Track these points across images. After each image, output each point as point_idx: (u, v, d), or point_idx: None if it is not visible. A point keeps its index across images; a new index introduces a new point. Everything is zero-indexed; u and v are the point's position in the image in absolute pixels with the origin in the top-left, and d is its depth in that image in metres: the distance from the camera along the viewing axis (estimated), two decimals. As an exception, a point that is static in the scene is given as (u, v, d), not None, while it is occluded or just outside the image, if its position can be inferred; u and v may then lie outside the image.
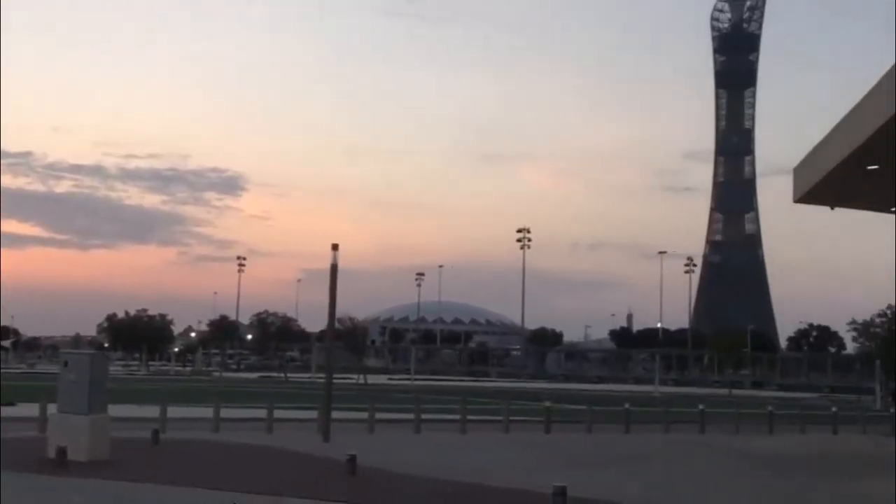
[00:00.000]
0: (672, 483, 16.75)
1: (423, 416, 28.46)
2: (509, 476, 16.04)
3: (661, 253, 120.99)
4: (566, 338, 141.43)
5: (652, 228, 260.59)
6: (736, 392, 71.12)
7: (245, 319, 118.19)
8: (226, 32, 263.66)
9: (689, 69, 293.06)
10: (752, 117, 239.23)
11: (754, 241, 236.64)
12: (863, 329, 60.58)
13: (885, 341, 56.39)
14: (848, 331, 62.30)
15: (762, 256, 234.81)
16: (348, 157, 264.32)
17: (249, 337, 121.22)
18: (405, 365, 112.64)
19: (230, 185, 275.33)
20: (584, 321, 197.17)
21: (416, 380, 73.24)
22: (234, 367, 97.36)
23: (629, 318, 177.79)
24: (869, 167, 19.57)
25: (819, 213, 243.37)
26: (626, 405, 29.59)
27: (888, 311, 58.64)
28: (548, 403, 28.48)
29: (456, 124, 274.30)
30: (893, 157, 18.13)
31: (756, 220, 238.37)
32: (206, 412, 27.04)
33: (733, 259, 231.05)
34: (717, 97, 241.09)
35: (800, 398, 63.66)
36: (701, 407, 30.32)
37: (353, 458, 16.18)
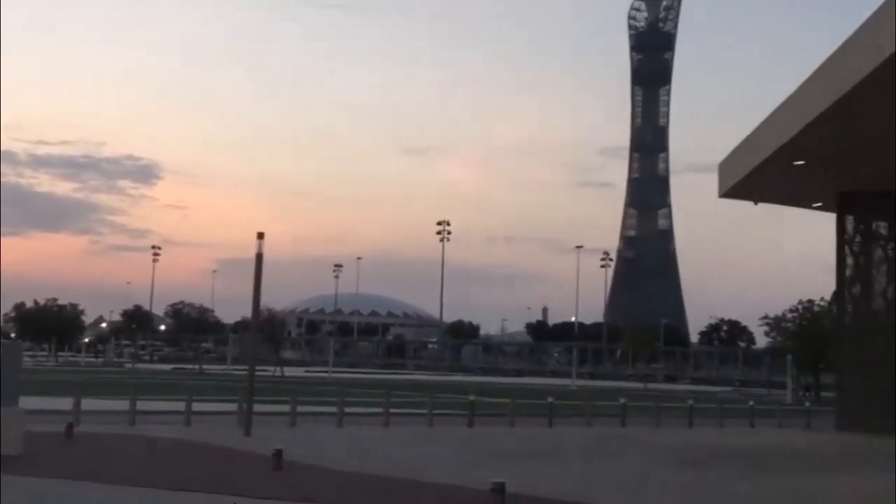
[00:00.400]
0: (606, 477, 16.72)
1: (346, 410, 28.10)
2: (442, 471, 15.79)
3: (577, 247, 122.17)
4: (483, 331, 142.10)
5: (568, 223, 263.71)
6: (651, 386, 72.21)
7: (159, 310, 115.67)
8: (142, 18, 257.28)
9: (606, 66, 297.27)
10: (667, 115, 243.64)
11: (667, 236, 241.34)
12: (774, 324, 61.95)
13: (796, 336, 57.69)
14: (760, 325, 63.75)
15: (674, 252, 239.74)
16: (266, 147, 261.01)
17: (162, 328, 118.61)
18: (321, 357, 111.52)
19: (145, 173, 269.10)
20: (501, 314, 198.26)
21: (334, 372, 72.49)
22: (146, 358, 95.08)
23: (544, 311, 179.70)
24: (795, 163, 19.92)
25: (729, 210, 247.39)
26: (550, 399, 29.55)
27: (799, 307, 60.14)
28: (472, 397, 28.26)
29: (376, 116, 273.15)
30: (819, 153, 18.45)
31: (669, 216, 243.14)
32: (121, 405, 26.12)
33: (647, 254, 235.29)
34: (634, 94, 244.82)
35: (713, 392, 65.04)
36: (622, 401, 30.49)
37: (279, 453, 15.71)
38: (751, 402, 33.57)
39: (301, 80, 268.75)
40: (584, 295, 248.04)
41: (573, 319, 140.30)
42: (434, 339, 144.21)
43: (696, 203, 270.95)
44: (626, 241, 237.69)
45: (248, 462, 16.60)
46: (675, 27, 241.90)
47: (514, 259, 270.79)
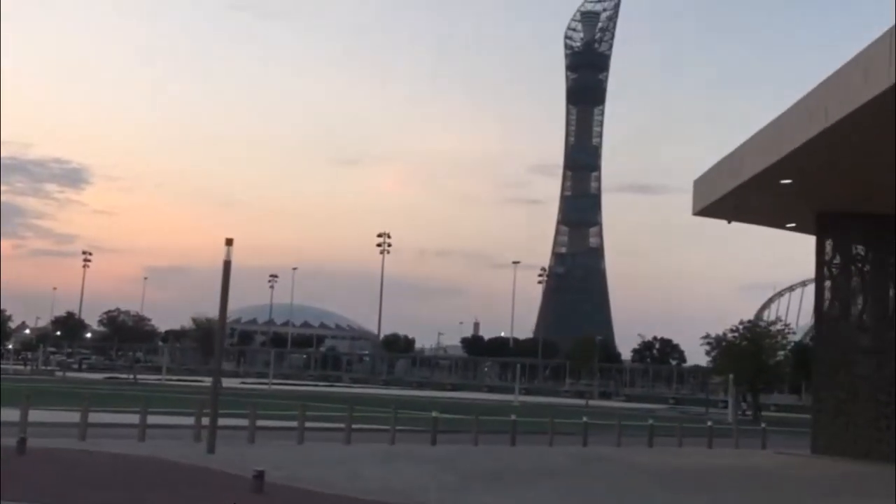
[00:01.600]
0: (604, 502, 16.22)
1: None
2: (433, 495, 15.07)
3: (514, 263, 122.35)
4: (418, 344, 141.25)
5: (499, 238, 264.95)
6: (591, 403, 72.30)
7: (87, 317, 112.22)
8: (72, 18, 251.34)
9: (540, 84, 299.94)
10: (600, 134, 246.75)
11: (597, 254, 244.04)
12: (716, 343, 62.65)
13: (737, 356, 58.30)
14: (701, 344, 64.43)
15: (604, 269, 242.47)
16: (198, 154, 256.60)
17: (89, 335, 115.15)
18: (255, 368, 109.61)
19: (74, 177, 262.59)
20: (433, 327, 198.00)
21: (273, 384, 71.01)
22: (75, 366, 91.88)
23: (475, 326, 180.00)
24: (783, 181, 19.82)
25: (658, 229, 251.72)
26: (513, 416, 29.03)
27: (740, 327, 60.98)
28: (434, 414, 27.56)
29: (309, 125, 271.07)
30: (811, 171, 18.38)
31: (600, 234, 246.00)
32: (67, 416, 24.81)
33: (577, 271, 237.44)
34: (568, 113, 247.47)
35: (652, 409, 65.35)
36: (585, 419, 30.14)
37: (260, 475, 14.82)
38: (709, 423, 33.47)
39: (234, 88, 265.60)
40: (515, 310, 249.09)
41: (503, 334, 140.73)
42: (366, 352, 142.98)
43: (625, 222, 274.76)
44: (557, 257, 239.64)
45: (224, 484, 15.67)
46: (610, 48, 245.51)
47: (445, 273, 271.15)
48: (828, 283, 24.71)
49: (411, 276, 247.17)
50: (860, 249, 24.24)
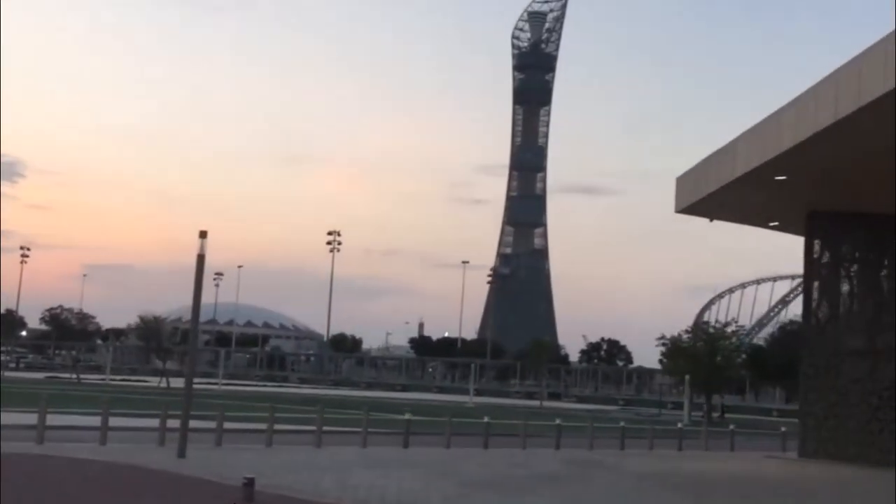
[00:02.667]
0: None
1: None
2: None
3: (464, 263, 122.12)
4: (365, 344, 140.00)
5: (444, 238, 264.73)
6: (545, 404, 71.98)
7: (24, 314, 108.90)
8: (5, 9, 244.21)
9: (487, 84, 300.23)
10: (546, 135, 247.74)
11: (542, 254, 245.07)
12: (671, 344, 62.70)
13: (691, 357, 58.34)
14: (657, 345, 64.46)
15: (549, 270, 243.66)
16: (139, 149, 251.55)
17: (24, 333, 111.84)
18: (198, 368, 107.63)
19: (7, 170, 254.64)
20: (379, 328, 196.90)
21: (222, 384, 69.39)
22: (12, 365, 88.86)
23: (420, 326, 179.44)
24: (777, 177, 19.41)
25: (602, 230, 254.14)
26: (486, 419, 28.29)
27: (692, 328, 61.08)
28: (407, 416, 26.71)
29: (252, 123, 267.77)
30: (807, 169, 17.99)
31: (545, 235, 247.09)
32: (21, 418, 23.46)
33: (522, 271, 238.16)
34: (515, 113, 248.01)
35: (606, 410, 65.27)
36: (558, 421, 29.57)
37: (250, 482, 13.88)
38: (679, 424, 33.18)
39: (177, 82, 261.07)
40: (460, 310, 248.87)
41: (447, 334, 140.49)
42: (311, 352, 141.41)
43: (570, 223, 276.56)
44: (502, 258, 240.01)
45: (211, 492, 14.69)
46: (557, 49, 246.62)
47: (390, 272, 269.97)
48: (816, 284, 24.40)
49: (356, 276, 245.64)
50: (850, 249, 23.94)
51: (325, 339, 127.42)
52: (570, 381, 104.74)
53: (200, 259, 19.77)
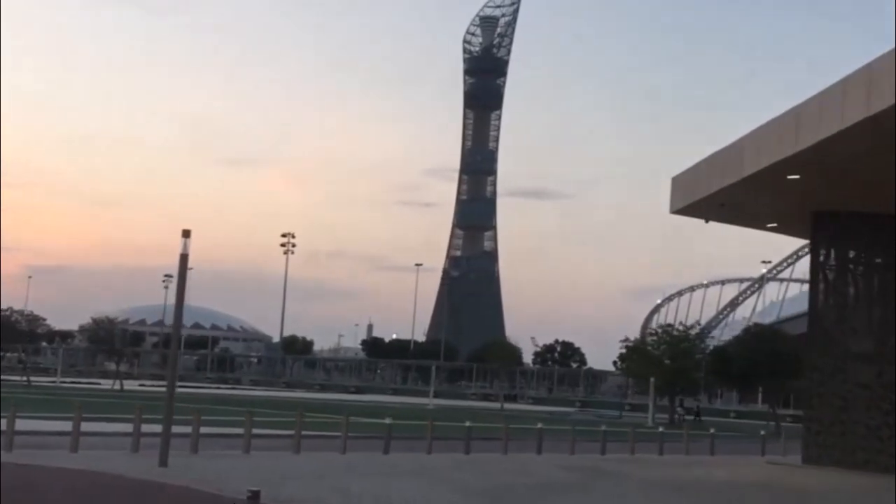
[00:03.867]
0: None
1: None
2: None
3: (417, 265, 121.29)
4: (316, 346, 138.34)
5: (393, 241, 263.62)
6: (506, 406, 71.45)
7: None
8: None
9: (437, 88, 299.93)
10: (497, 139, 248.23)
11: (492, 257, 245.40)
12: (634, 347, 62.62)
13: (655, 359, 58.23)
14: (621, 348, 64.34)
15: (498, 273, 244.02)
16: (81, 151, 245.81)
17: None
18: (148, 370, 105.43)
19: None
20: (327, 329, 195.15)
21: (180, 387, 67.50)
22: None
23: (369, 328, 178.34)
24: (790, 176, 18.93)
25: (551, 234, 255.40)
26: (468, 422, 27.51)
27: (658, 330, 61.08)
28: (389, 420, 25.80)
29: (197, 125, 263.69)
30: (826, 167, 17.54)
31: (494, 238, 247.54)
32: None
33: (472, 274, 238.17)
34: (465, 117, 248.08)
35: (566, 413, 64.96)
36: (539, 425, 28.91)
37: (256, 496, 12.87)
38: (660, 428, 32.73)
39: (116, 85, 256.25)
40: (407, 312, 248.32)
41: (395, 336, 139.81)
42: (260, 353, 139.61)
43: (519, 226, 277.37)
44: (452, 260, 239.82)
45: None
46: (509, 54, 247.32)
47: (337, 275, 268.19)
48: (821, 286, 23.96)
49: (302, 278, 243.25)
50: (858, 250, 23.54)
51: (278, 340, 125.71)
52: (524, 383, 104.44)
53: (184, 259, 18.76)
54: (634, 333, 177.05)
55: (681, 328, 61.73)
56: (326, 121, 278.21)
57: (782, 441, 34.98)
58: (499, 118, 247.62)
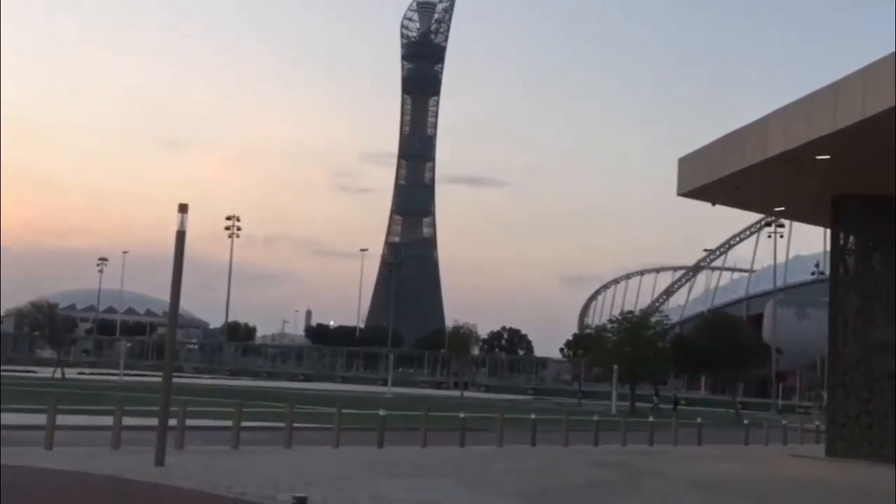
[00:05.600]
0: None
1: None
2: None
3: (362, 251, 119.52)
4: (259, 333, 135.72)
5: (330, 226, 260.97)
6: (466, 394, 70.36)
7: None
8: None
9: (374, 73, 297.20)
10: (435, 125, 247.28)
11: (430, 244, 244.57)
12: (595, 333, 61.93)
13: (616, 347, 57.60)
14: (583, 334, 63.44)
15: (437, 259, 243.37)
16: (12, 131, 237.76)
17: None
18: (80, 357, 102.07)
19: None
20: (265, 315, 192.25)
21: (125, 375, 65.06)
22: None
23: (308, 314, 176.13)
24: (819, 157, 17.95)
25: (489, 221, 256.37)
26: (462, 414, 26.16)
27: (619, 317, 60.54)
28: (382, 412, 24.26)
29: (131, 108, 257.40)
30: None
31: (433, 224, 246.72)
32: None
33: (411, 260, 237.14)
34: (403, 103, 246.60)
35: (524, 400, 64.13)
36: (532, 416, 27.69)
37: (301, 501, 11.33)
38: (650, 418, 31.78)
39: (53, 66, 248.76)
40: (345, 298, 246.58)
41: (332, 323, 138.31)
42: (195, 340, 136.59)
43: (458, 213, 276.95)
44: (390, 246, 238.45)
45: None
46: (446, 40, 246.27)
47: (271, 260, 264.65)
48: (842, 273, 23.02)
49: (240, 263, 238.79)
50: (882, 236, 22.60)
51: (216, 327, 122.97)
52: (474, 371, 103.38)
53: (180, 236, 17.00)
54: (574, 320, 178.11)
55: (639, 314, 61.22)
56: (263, 105, 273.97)
57: (765, 430, 34.40)
58: (437, 104, 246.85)
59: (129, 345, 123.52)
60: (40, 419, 24.45)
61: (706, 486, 17.82)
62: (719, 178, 21.23)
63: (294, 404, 23.52)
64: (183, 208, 17.07)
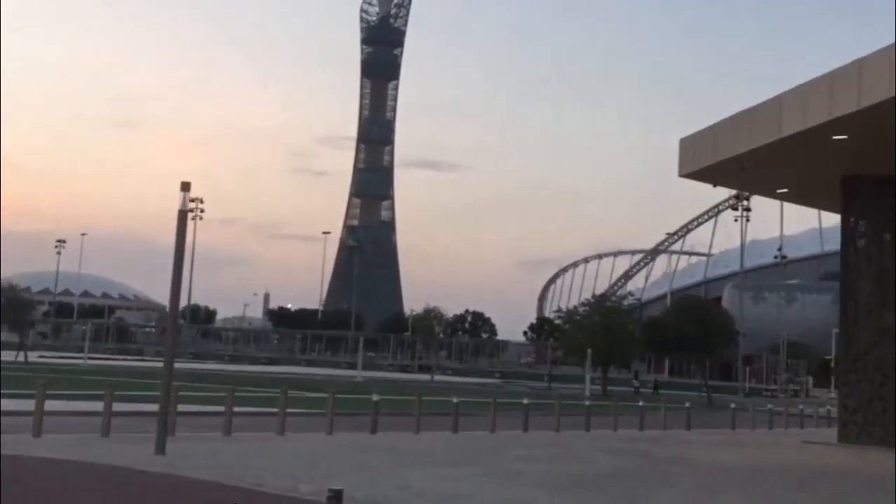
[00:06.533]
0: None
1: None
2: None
3: (325, 233, 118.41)
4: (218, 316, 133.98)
5: (286, 208, 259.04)
6: (436, 378, 69.86)
7: None
8: None
9: (332, 56, 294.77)
10: (394, 109, 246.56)
11: (389, 227, 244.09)
12: (567, 317, 61.74)
13: (588, 330, 57.44)
14: (556, 318, 63.30)
15: (395, 242, 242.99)
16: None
17: None
18: (43, 340, 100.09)
19: None
20: (225, 298, 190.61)
21: (90, 359, 63.67)
22: None
23: (266, 297, 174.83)
24: (835, 137, 17.61)
25: (447, 205, 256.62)
26: (455, 399, 25.61)
27: (591, 300, 60.39)
28: (375, 397, 23.65)
29: (88, 88, 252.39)
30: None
31: (392, 208, 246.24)
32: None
33: (369, 244, 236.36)
34: (362, 87, 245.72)
35: (494, 384, 63.79)
36: (526, 401, 27.24)
37: (338, 496, 10.68)
38: (641, 403, 31.52)
39: (4, 42, 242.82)
40: (303, 281, 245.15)
41: (289, 306, 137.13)
42: (153, 324, 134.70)
43: (416, 196, 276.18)
44: (349, 229, 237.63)
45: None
46: (406, 24, 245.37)
47: (227, 242, 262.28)
48: (853, 255, 22.71)
49: (197, 245, 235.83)
50: (893, 217, 22.31)
51: (186, 310, 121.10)
52: (437, 355, 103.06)
53: (182, 215, 16.20)
54: (532, 303, 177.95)
55: (614, 299, 61.19)
56: (220, 88, 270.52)
57: (751, 413, 34.33)
58: (396, 88, 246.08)
59: (83, 328, 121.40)
60: (18, 404, 23.60)
61: (734, 472, 17.46)
62: (725, 158, 20.86)
63: (287, 389, 22.72)
64: (185, 186, 16.28)
